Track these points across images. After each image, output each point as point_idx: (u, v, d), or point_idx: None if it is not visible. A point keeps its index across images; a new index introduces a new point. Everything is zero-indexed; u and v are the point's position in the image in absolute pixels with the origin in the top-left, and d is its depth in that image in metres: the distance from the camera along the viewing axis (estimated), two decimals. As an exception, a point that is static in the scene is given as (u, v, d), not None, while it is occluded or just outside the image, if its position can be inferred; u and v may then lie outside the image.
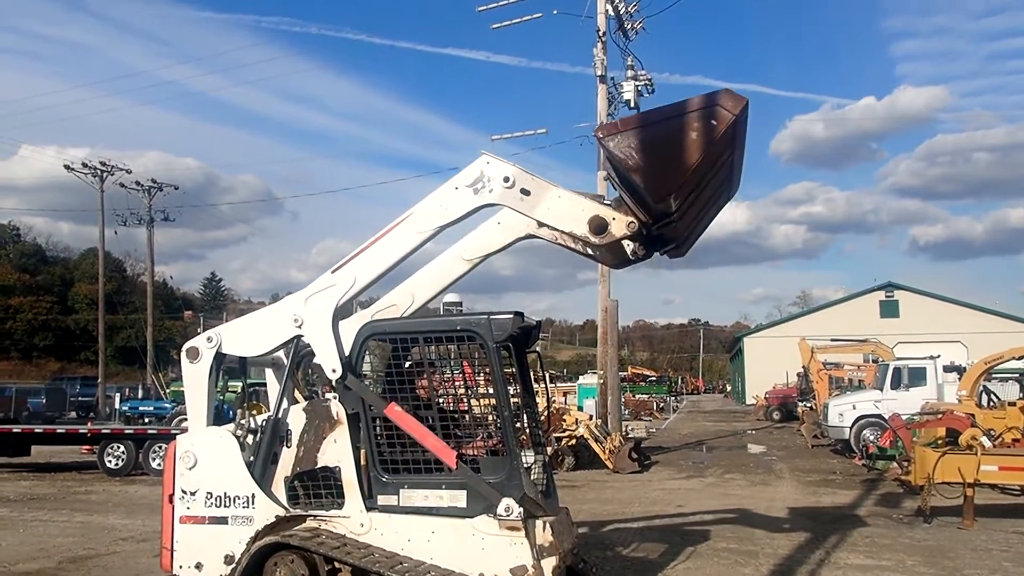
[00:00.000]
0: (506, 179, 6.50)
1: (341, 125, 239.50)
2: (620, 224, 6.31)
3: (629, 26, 28.01)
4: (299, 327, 6.86)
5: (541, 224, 6.90)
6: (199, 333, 7.37)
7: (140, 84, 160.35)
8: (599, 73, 26.42)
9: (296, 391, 7.15)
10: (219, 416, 7.41)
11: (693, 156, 5.88)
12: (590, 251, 6.92)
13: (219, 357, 7.13)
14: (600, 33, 26.42)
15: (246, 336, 7.12)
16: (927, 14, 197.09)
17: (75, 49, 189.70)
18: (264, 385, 7.88)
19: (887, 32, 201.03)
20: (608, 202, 6.59)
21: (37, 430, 23.94)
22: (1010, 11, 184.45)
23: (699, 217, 7.16)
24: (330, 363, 6.71)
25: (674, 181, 5.94)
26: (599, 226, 6.33)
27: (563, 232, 6.59)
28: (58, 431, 23.91)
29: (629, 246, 6.51)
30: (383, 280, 7.04)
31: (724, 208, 7.64)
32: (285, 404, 6.93)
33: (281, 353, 7.17)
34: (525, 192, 6.49)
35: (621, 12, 27.38)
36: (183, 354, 7.17)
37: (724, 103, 5.89)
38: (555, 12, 27.73)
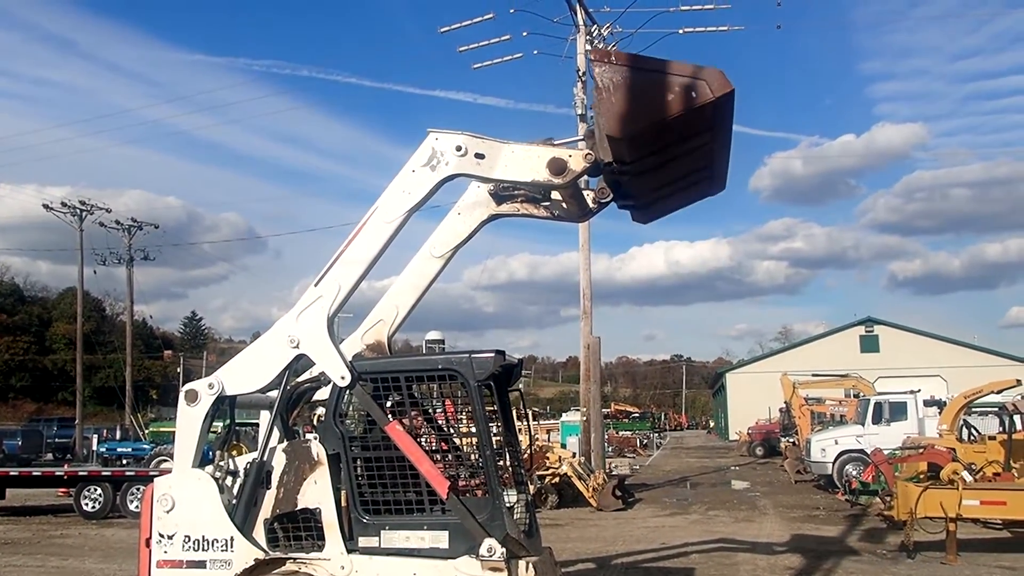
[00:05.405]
0: (458, 148, 6.56)
1: (327, 164, 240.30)
2: (578, 158, 6.42)
3: (608, 66, 28.40)
4: (296, 347, 6.78)
5: (501, 200, 7.06)
6: (178, 373, 7.29)
7: (123, 123, 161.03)
8: (579, 112, 26.70)
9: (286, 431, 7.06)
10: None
11: (658, 114, 5.97)
12: (554, 211, 7.11)
13: (219, 402, 7.02)
14: (580, 73, 26.76)
15: (246, 372, 6.99)
16: (905, 56, 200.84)
17: (58, 89, 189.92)
18: (247, 426, 7.77)
19: (865, 73, 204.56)
20: (559, 142, 6.69)
21: (12, 473, 23.60)
22: (984, 54, 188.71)
23: (666, 188, 7.25)
24: (337, 372, 6.63)
25: (632, 127, 6.02)
26: (558, 167, 6.41)
27: (525, 183, 6.67)
28: (34, 474, 23.57)
29: (589, 195, 6.77)
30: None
31: (703, 198, 7.67)
32: (272, 445, 6.86)
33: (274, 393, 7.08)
34: (480, 156, 6.55)
35: (600, 52, 27.76)
36: (181, 395, 7.06)
37: (711, 81, 5.92)
38: (536, 52, 28.19)
